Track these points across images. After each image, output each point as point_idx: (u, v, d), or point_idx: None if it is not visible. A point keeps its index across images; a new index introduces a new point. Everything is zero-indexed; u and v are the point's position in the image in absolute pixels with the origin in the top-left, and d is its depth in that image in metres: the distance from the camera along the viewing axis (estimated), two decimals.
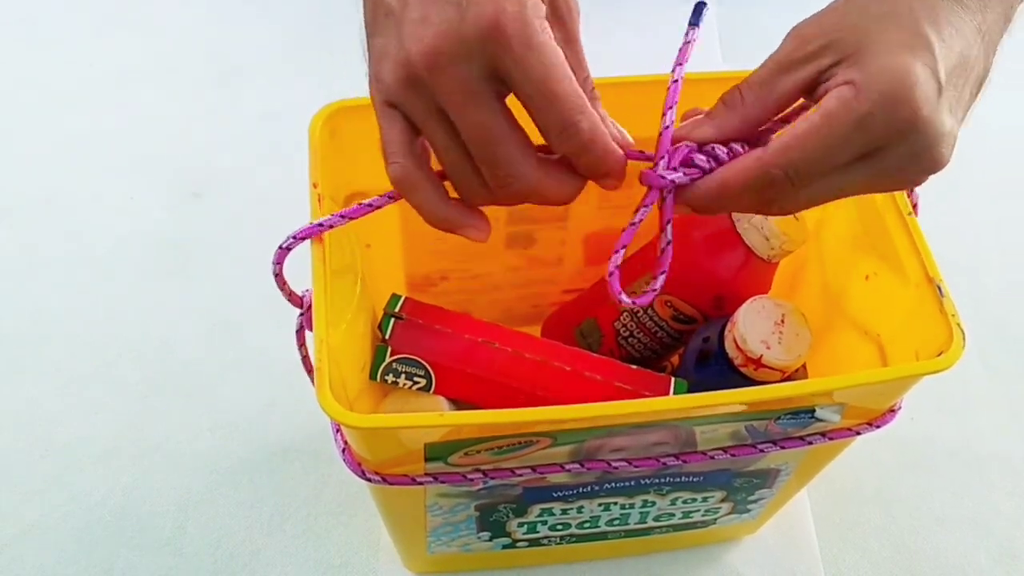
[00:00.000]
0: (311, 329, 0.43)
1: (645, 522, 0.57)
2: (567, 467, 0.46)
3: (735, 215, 0.55)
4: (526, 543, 0.58)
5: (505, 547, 0.59)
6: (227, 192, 0.86)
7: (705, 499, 0.55)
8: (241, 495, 0.67)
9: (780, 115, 0.40)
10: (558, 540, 0.58)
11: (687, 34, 0.41)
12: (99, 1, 1.05)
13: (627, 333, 0.61)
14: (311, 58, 0.97)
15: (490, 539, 0.57)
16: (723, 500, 0.56)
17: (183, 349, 0.75)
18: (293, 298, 0.45)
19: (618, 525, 0.57)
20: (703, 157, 0.39)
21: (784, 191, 0.38)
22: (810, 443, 0.48)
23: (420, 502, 0.50)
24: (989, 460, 0.70)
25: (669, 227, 0.41)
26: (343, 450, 0.46)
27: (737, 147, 0.39)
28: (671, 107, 0.40)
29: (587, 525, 0.56)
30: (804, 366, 0.54)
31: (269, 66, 0.98)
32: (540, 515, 0.54)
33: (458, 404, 0.54)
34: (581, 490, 0.51)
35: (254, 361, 0.74)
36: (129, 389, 0.73)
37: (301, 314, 0.45)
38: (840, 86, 0.36)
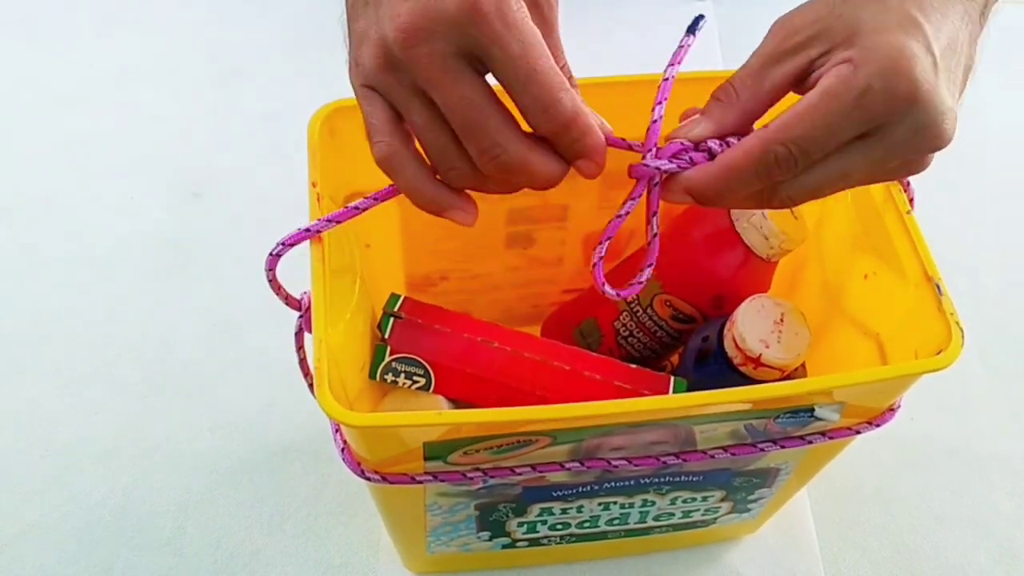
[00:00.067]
0: (310, 331, 0.44)
1: (645, 522, 0.57)
2: (567, 466, 0.46)
3: (734, 214, 0.55)
4: (526, 543, 0.58)
5: (505, 547, 0.59)
6: (227, 192, 0.86)
7: (705, 498, 0.55)
8: (241, 495, 0.67)
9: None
10: (558, 540, 0.58)
11: (684, 39, 0.42)
12: (99, 1, 1.05)
13: (627, 333, 0.61)
14: (311, 58, 0.97)
15: (490, 539, 0.57)
16: (723, 499, 0.56)
17: (183, 349, 0.75)
18: (291, 301, 0.45)
19: (618, 525, 0.57)
20: (699, 154, 0.39)
21: (789, 170, 0.37)
22: (810, 442, 0.48)
23: (420, 501, 0.50)
24: (989, 459, 0.70)
25: (655, 219, 0.41)
26: (342, 449, 0.46)
27: (733, 140, 0.39)
28: (660, 102, 0.40)
29: (587, 525, 0.56)
30: (803, 365, 0.54)
31: (269, 66, 0.98)
32: (540, 515, 0.54)
33: (458, 403, 0.54)
34: (581, 489, 0.51)
35: (254, 361, 0.74)
36: (129, 389, 0.73)
37: (300, 316, 0.45)
38: (837, 65, 0.36)
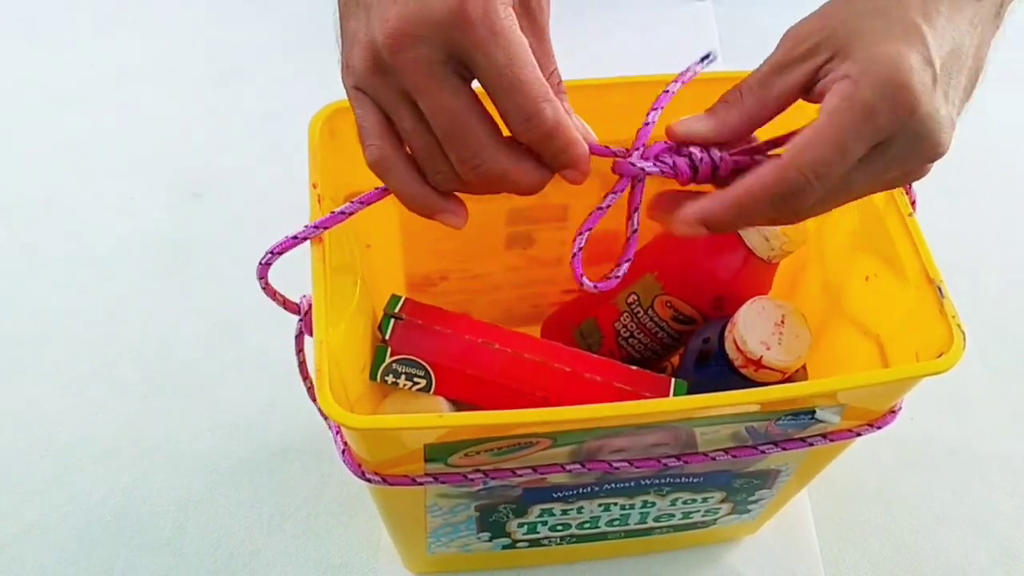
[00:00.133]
0: (310, 334, 0.43)
1: (645, 522, 0.57)
2: (567, 468, 0.46)
3: None
4: (526, 543, 0.58)
5: (505, 547, 0.59)
6: (227, 192, 0.86)
7: (705, 500, 0.55)
8: (241, 495, 0.67)
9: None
10: (558, 540, 0.58)
11: (694, 65, 0.43)
12: (99, 1, 1.05)
13: (627, 334, 0.61)
14: (311, 58, 0.96)
15: (490, 539, 0.57)
16: (723, 501, 0.56)
17: (183, 349, 0.75)
18: (288, 305, 0.45)
19: (618, 525, 0.57)
20: (681, 159, 0.40)
21: (807, 197, 0.37)
22: (810, 444, 0.48)
23: (420, 502, 0.50)
24: (989, 460, 0.70)
25: (636, 215, 0.42)
26: (343, 451, 0.46)
27: (716, 153, 0.40)
28: (656, 109, 0.41)
29: (587, 525, 0.56)
30: (804, 367, 0.54)
31: (269, 66, 0.98)
32: (540, 515, 0.54)
33: (458, 405, 0.54)
34: (581, 491, 0.51)
35: (254, 361, 0.74)
36: (129, 389, 0.73)
37: (300, 319, 0.45)
38: (838, 82, 0.36)
